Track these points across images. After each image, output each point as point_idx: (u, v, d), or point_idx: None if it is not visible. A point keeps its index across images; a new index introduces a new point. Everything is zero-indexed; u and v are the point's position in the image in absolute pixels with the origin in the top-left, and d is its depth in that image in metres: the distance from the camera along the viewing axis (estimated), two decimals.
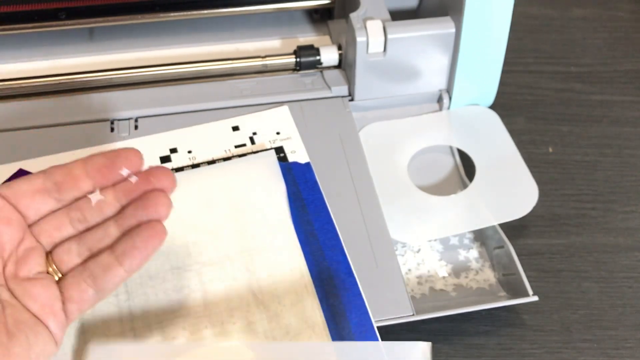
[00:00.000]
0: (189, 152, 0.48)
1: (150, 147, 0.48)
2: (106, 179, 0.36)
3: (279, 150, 0.48)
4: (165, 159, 0.48)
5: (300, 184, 0.46)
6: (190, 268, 0.42)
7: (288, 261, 0.42)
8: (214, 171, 0.46)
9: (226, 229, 0.43)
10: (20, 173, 0.45)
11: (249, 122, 0.50)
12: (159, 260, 0.42)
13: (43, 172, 0.36)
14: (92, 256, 0.35)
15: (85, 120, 0.51)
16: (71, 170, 0.36)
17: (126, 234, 0.35)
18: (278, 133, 0.50)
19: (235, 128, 0.50)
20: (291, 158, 0.48)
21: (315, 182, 0.46)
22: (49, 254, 0.35)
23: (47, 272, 0.35)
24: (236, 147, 0.49)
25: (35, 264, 0.34)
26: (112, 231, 0.36)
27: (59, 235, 0.36)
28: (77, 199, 0.36)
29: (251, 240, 0.43)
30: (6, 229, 0.34)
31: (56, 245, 0.35)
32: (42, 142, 0.49)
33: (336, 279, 0.42)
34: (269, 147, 0.49)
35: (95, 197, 0.36)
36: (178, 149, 0.48)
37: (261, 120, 0.51)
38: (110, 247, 0.35)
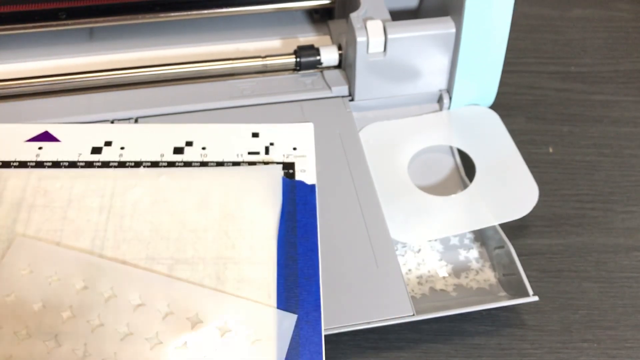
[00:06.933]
0: (203, 148, 0.48)
1: (168, 136, 0.48)
2: None
3: (290, 165, 0.47)
4: (178, 150, 0.47)
5: (299, 205, 0.45)
6: (163, 262, 0.41)
7: (259, 279, 0.41)
8: (216, 173, 0.46)
9: (211, 232, 0.43)
10: (46, 135, 0.46)
11: (269, 132, 0.50)
12: (137, 247, 0.41)
13: None
14: None
15: (85, 120, 0.51)
16: None
17: None
18: (295, 149, 0.49)
19: (255, 134, 0.49)
20: (299, 176, 0.47)
21: (314, 206, 0.45)
22: None
23: None
24: (249, 153, 0.48)
25: None
26: None
27: None
28: None
29: (230, 249, 0.42)
30: None
31: None
32: None
33: (301, 310, 0.40)
34: (281, 160, 0.48)
35: None
36: (194, 143, 0.48)
37: (282, 132, 0.50)
38: None
